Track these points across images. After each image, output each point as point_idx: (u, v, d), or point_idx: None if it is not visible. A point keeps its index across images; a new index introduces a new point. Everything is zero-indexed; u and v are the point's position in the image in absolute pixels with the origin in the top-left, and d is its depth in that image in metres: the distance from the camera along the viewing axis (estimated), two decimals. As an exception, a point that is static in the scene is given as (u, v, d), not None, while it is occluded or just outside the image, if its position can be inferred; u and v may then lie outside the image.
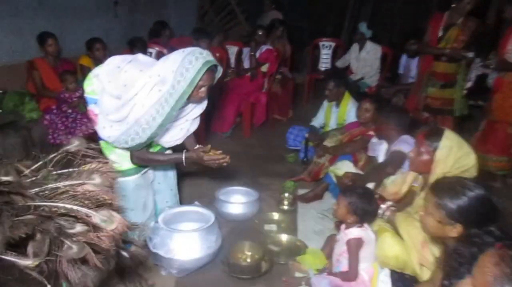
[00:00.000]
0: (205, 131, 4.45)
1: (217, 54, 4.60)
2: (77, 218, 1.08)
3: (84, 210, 1.08)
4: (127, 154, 2.14)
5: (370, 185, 2.49)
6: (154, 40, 4.71)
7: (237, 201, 2.88)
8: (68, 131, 3.85)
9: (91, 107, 2.14)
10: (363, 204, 2.04)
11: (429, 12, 5.33)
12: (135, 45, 4.09)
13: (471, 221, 1.45)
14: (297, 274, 2.23)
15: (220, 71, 2.09)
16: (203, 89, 1.99)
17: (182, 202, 2.75)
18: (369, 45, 5.16)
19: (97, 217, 1.09)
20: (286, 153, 4.11)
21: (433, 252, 1.91)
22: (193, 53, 1.93)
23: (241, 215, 2.78)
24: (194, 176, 3.61)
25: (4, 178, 0.93)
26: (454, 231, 1.49)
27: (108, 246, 1.12)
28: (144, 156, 2.14)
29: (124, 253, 1.37)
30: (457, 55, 3.34)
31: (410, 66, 4.65)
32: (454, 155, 1.88)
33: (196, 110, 2.26)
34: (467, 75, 3.53)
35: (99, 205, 1.16)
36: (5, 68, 3.88)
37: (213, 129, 4.68)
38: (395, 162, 2.53)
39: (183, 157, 2.13)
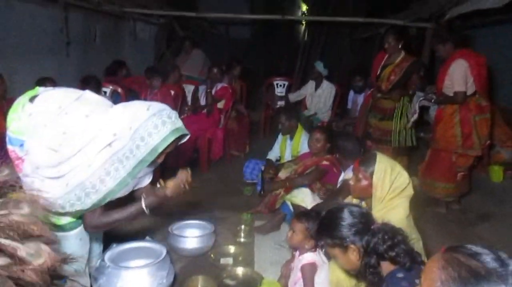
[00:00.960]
0: (160, 166, 4.36)
1: (172, 92, 4.63)
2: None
3: (7, 242, 1.00)
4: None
5: None
6: (109, 79, 4.67)
7: (192, 234, 2.79)
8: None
9: (14, 149, 1.69)
10: None
11: (374, 50, 5.72)
12: (88, 84, 3.94)
13: (354, 235, 1.54)
14: (253, 308, 2.16)
15: (187, 138, 1.83)
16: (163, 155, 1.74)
17: (133, 238, 2.63)
18: (325, 83, 5.41)
19: (22, 250, 1.00)
20: (243, 186, 4.10)
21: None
22: (160, 115, 1.64)
23: (196, 250, 2.69)
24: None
25: None
26: (354, 252, 1.55)
27: (35, 281, 1.03)
28: (99, 222, 1.75)
29: (57, 288, 1.26)
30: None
31: (357, 101, 4.89)
32: (389, 176, 1.96)
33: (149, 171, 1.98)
34: (406, 111, 3.86)
35: (27, 236, 1.08)
36: None
37: (169, 164, 4.59)
38: (344, 191, 2.58)
39: (143, 205, 1.80)
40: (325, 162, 3.16)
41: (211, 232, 2.77)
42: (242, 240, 2.99)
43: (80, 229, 1.89)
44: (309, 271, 2.00)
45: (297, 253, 2.13)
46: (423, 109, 4.33)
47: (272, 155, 4.09)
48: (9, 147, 1.73)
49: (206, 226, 2.85)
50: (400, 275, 1.40)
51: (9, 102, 3.94)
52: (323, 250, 2.12)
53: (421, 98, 3.79)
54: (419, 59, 4.21)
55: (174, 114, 1.71)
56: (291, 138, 3.86)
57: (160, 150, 1.65)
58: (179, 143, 1.82)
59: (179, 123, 1.72)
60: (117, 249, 2.26)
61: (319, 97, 5.40)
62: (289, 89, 6.25)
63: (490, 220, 3.55)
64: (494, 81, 4.36)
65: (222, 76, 5.06)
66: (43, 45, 4.64)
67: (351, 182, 2.14)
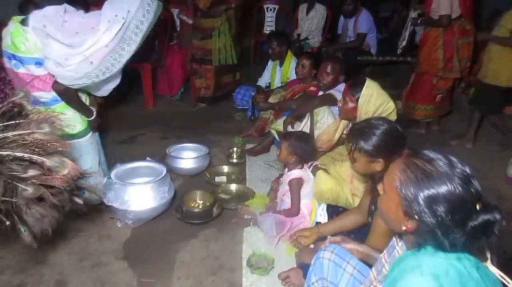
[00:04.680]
0: (153, 93, 4.48)
1: (161, 16, 4.54)
2: (30, 163, 1.16)
3: (35, 156, 1.16)
4: (78, 116, 2.23)
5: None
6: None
7: (188, 156, 3.01)
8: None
9: (27, 69, 2.03)
10: (301, 144, 2.28)
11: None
12: (77, 2, 3.89)
13: (388, 152, 1.67)
14: (246, 216, 2.45)
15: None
16: None
17: (135, 157, 2.84)
18: (317, 5, 5.33)
19: (48, 162, 1.17)
20: (234, 112, 4.28)
21: (360, 182, 2.21)
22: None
23: (192, 169, 2.93)
24: (145, 136, 3.70)
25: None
26: (379, 165, 1.71)
27: (62, 187, 1.22)
28: (73, 95, 2.16)
29: (78, 200, 1.46)
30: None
31: (347, 26, 4.88)
32: (374, 101, 2.14)
33: None
34: (225, 29, 4.16)
35: (51, 152, 1.25)
36: None
37: (160, 92, 4.71)
38: (324, 99, 2.77)
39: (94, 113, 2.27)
40: (312, 88, 3.29)
41: (206, 154, 3.00)
42: (234, 161, 3.23)
43: (90, 135, 2.31)
44: (296, 184, 2.26)
45: (286, 169, 2.37)
46: (414, 34, 4.36)
47: (262, 81, 4.20)
48: (20, 70, 2.04)
49: (201, 148, 3.06)
50: None
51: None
52: (310, 168, 2.36)
53: (409, 24, 3.82)
54: None
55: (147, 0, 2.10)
56: (281, 64, 3.91)
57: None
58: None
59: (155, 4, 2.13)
60: (121, 167, 2.49)
61: (311, 19, 5.35)
62: (279, 14, 6.14)
63: (463, 139, 3.81)
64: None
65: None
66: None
67: (339, 104, 2.31)
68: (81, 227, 2.31)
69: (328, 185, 2.20)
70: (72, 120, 2.17)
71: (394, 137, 1.69)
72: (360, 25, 4.74)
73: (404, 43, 3.84)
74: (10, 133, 1.18)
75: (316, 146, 2.50)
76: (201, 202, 2.54)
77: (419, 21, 3.78)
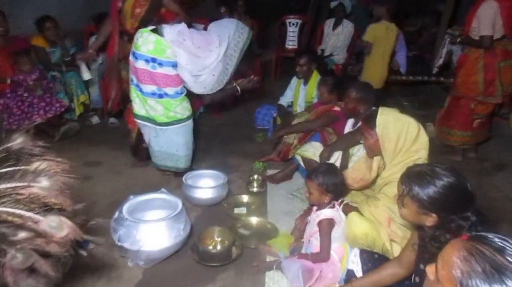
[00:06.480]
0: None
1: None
2: (21, 224, 0.98)
3: (29, 214, 0.98)
4: (188, 104, 2.79)
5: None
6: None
7: (205, 185, 2.81)
8: (25, 117, 3.63)
9: (166, 70, 2.61)
10: (332, 179, 2.04)
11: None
12: (101, 21, 3.76)
13: (445, 210, 1.40)
14: (268, 258, 2.22)
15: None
16: None
17: (148, 188, 2.67)
18: (344, 21, 5.13)
19: (44, 223, 0.99)
20: (254, 133, 4.06)
21: (400, 226, 1.96)
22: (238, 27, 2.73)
23: (210, 200, 2.72)
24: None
25: None
26: (430, 220, 1.43)
27: (60, 252, 1.03)
28: (214, 96, 2.82)
29: (82, 252, 1.28)
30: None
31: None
32: (392, 127, 1.95)
33: None
34: None
35: (48, 209, 1.06)
36: None
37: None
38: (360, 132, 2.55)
39: (235, 85, 2.91)
40: (336, 108, 3.08)
41: (225, 183, 2.78)
42: (255, 189, 3.00)
43: (191, 119, 2.87)
44: (327, 226, 2.01)
45: (314, 207, 2.13)
46: (450, 54, 4.10)
47: (284, 100, 3.98)
48: (158, 70, 2.61)
49: (219, 176, 2.86)
50: None
51: (14, 42, 3.83)
52: (341, 206, 2.12)
53: (447, 41, 3.57)
54: None
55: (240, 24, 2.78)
56: (306, 83, 3.69)
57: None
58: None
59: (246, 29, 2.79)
60: (134, 200, 2.29)
61: (337, 36, 5.16)
62: (302, 28, 5.95)
63: (507, 170, 3.51)
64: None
65: (231, 15, 4.79)
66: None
67: (362, 141, 2.15)
68: (88, 266, 2.12)
69: (362, 229, 1.95)
70: (185, 108, 2.78)
71: (458, 196, 1.39)
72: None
73: (440, 61, 3.61)
74: (2, 186, 1.00)
75: (346, 183, 2.27)
76: (219, 239, 2.31)
77: (458, 40, 3.52)
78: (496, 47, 3.28)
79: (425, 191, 1.40)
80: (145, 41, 2.60)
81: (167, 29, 2.58)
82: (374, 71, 4.17)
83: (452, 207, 1.38)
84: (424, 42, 5.94)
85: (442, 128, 3.68)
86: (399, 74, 4.62)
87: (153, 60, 2.60)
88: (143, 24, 2.95)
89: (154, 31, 2.62)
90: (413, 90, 5.28)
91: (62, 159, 1.12)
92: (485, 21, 3.19)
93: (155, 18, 3.05)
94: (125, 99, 3.25)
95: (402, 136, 1.94)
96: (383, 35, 4.06)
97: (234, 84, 2.87)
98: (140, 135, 3.09)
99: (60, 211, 1.08)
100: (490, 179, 3.36)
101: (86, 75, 3.71)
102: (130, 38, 2.96)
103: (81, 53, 3.63)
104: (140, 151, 3.28)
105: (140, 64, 2.64)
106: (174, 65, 2.61)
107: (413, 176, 1.45)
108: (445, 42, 3.57)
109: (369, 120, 2.04)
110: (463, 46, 3.56)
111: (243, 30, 2.71)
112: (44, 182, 1.06)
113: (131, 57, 2.71)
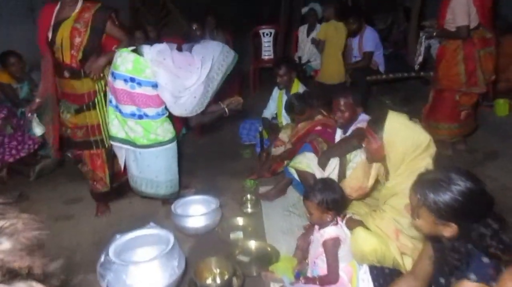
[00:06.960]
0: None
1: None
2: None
3: None
4: (170, 126, 2.67)
5: None
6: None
7: (197, 212, 2.64)
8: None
9: (144, 90, 2.50)
10: (329, 195, 1.90)
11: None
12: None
13: (465, 218, 1.28)
14: (273, 285, 2.07)
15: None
16: None
17: (135, 222, 2.49)
18: (318, 26, 5.04)
19: None
20: (241, 149, 3.92)
21: (409, 238, 1.84)
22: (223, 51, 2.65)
23: (203, 228, 2.55)
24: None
25: None
26: (449, 230, 1.31)
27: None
28: (202, 119, 2.82)
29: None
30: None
31: (351, 45, 4.59)
32: (400, 135, 1.83)
33: None
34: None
35: (14, 275, 0.89)
36: None
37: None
38: (359, 135, 2.43)
39: (223, 106, 2.80)
40: (318, 127, 2.98)
41: (217, 207, 2.62)
42: (249, 210, 2.86)
43: (175, 141, 2.72)
44: (332, 247, 1.87)
45: (316, 226, 1.99)
46: (429, 48, 4.06)
47: (268, 113, 3.88)
48: (136, 91, 2.52)
49: (210, 201, 2.70)
50: (486, 260, 1.22)
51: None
52: (343, 221, 1.99)
53: (423, 38, 3.53)
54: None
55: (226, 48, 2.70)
56: (287, 92, 3.58)
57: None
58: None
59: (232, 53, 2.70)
60: (121, 240, 2.11)
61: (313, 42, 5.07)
62: (276, 38, 5.87)
63: (498, 158, 3.46)
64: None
65: (203, 33, 4.67)
66: (5, 13, 4.18)
67: (364, 145, 2.02)
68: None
69: (370, 245, 1.82)
70: (167, 130, 2.65)
71: (477, 202, 1.27)
72: (366, 43, 4.47)
73: (420, 58, 3.55)
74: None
75: (345, 193, 2.14)
76: (217, 271, 2.14)
77: (434, 34, 3.47)
78: (473, 36, 3.25)
79: (441, 199, 1.27)
80: (124, 61, 2.52)
81: (146, 49, 2.52)
82: (332, 68, 4.36)
83: (472, 214, 1.27)
84: (396, 39, 5.95)
85: (429, 123, 3.60)
86: (379, 74, 4.56)
87: (132, 79, 2.52)
88: (89, 53, 2.60)
89: (134, 51, 2.55)
90: (393, 88, 5.24)
91: (35, 206, 0.95)
92: (460, 12, 3.17)
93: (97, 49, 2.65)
94: (70, 144, 2.85)
95: (408, 146, 1.82)
96: (333, 34, 4.27)
97: (222, 106, 2.77)
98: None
99: (29, 275, 0.91)
100: (484, 169, 3.28)
101: (38, 130, 3.07)
102: (73, 73, 2.61)
103: (28, 106, 3.09)
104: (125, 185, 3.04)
105: (119, 84, 2.54)
106: (154, 85, 2.53)
107: (427, 184, 1.33)
108: (421, 39, 3.52)
109: (375, 123, 1.91)
110: (441, 39, 3.52)
111: (228, 53, 2.65)
112: (4, 243, 0.89)
113: (110, 77, 2.59)
